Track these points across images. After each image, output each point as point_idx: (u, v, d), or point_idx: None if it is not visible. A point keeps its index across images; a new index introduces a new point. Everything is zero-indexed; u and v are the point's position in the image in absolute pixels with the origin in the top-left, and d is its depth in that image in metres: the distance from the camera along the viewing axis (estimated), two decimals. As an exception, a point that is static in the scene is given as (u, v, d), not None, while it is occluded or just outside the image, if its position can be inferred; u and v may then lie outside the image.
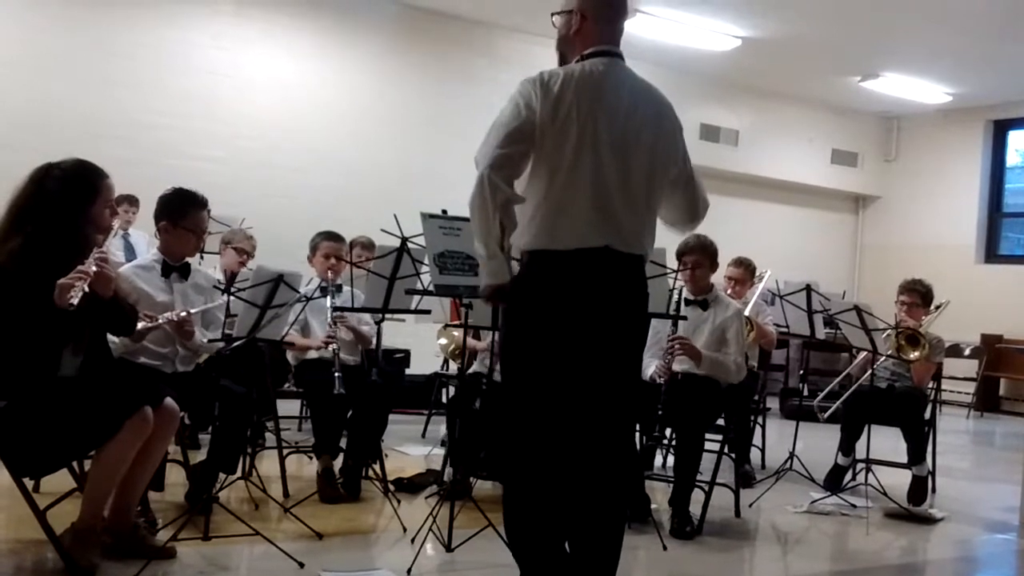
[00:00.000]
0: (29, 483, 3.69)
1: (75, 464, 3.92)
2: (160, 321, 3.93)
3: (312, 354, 5.18)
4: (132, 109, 8.32)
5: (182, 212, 4.22)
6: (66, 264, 3.36)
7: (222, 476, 4.28)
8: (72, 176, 3.58)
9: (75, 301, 3.22)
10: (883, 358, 5.70)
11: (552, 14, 3.18)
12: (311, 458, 5.10)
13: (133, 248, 7.23)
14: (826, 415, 5.91)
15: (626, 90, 3.05)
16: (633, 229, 3.01)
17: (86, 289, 3.26)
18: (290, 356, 5.29)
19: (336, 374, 4.68)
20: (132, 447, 3.44)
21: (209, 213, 4.35)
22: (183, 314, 3.99)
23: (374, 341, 5.10)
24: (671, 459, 5.24)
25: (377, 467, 5.05)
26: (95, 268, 3.34)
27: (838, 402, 5.90)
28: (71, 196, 3.54)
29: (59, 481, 3.89)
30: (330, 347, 4.89)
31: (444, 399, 7.08)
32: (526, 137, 2.91)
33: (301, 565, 3.71)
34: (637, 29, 9.55)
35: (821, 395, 6.38)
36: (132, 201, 7.27)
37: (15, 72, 7.92)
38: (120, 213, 7.19)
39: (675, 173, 3.17)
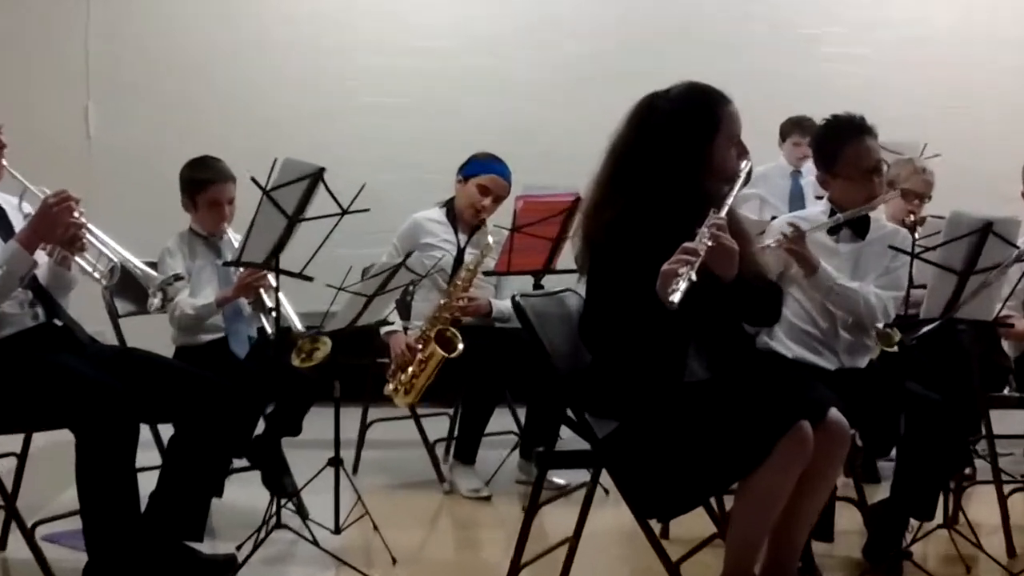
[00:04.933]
0: (656, 527, 3.17)
1: (714, 501, 3.34)
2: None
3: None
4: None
5: (835, 156, 3.43)
6: (681, 232, 2.71)
7: (914, 522, 3.41)
8: (681, 105, 2.93)
9: (677, 298, 2.55)
10: None
11: None
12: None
13: (802, 191, 5.92)
14: None
15: None
16: None
17: (693, 277, 2.58)
18: (1006, 345, 3.87)
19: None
20: (788, 476, 2.73)
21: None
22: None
23: None
24: None
25: None
26: (708, 243, 2.67)
27: None
28: (681, 133, 2.88)
29: (694, 524, 3.31)
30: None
31: None
32: None
33: None
34: None
35: None
36: (805, 128, 5.88)
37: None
38: (790, 146, 5.98)
39: None
